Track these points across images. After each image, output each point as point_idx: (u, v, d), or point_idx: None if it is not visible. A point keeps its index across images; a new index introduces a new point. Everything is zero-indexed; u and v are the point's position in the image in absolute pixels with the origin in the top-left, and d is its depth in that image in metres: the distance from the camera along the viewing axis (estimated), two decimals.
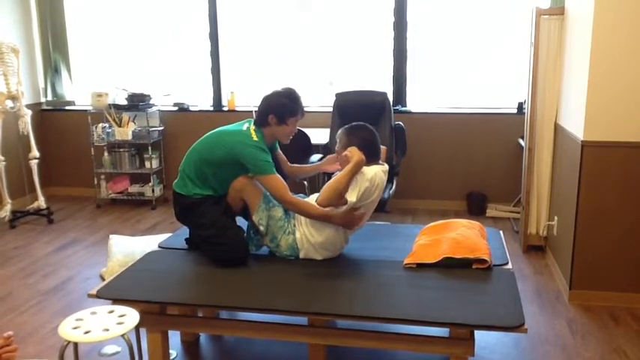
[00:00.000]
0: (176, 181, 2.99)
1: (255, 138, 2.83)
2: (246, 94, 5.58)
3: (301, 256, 2.82)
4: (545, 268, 3.95)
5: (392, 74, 5.30)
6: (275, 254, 2.88)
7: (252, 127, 2.90)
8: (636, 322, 3.18)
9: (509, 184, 5.07)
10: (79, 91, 5.92)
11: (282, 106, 2.89)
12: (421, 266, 2.69)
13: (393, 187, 4.27)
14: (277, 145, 3.12)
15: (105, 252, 4.18)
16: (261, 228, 2.82)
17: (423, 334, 2.40)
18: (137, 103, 5.41)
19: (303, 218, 2.82)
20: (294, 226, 2.83)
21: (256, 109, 2.99)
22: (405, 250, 2.87)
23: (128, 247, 3.84)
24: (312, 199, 2.86)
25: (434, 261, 2.69)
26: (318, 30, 5.47)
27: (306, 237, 2.80)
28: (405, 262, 2.73)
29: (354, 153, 2.65)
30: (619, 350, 2.89)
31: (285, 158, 3.18)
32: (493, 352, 2.87)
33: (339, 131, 2.87)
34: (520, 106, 5.00)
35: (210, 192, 2.90)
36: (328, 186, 2.66)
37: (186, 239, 3.09)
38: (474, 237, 2.84)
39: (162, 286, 2.58)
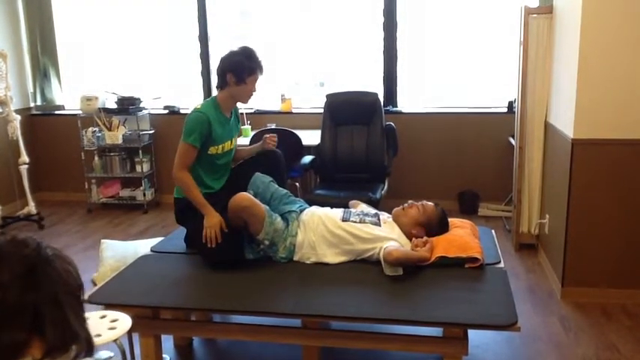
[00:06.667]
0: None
1: (198, 106, 2.90)
2: None
3: (296, 258, 2.80)
4: (537, 266, 3.97)
5: (382, 75, 5.31)
6: (270, 257, 2.86)
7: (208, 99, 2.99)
8: (628, 317, 3.19)
9: (501, 183, 5.08)
10: (68, 95, 5.88)
11: (240, 65, 2.91)
12: (414, 266, 2.69)
13: (385, 187, 4.28)
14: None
15: (96, 257, 4.15)
16: (267, 242, 2.77)
17: (417, 334, 2.40)
18: (127, 106, 5.38)
19: (315, 225, 2.80)
20: (298, 227, 2.81)
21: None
22: None
23: (120, 252, 3.82)
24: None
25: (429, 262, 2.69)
26: (309, 31, 5.47)
27: (308, 241, 2.78)
28: None
29: (428, 251, 2.70)
30: (611, 346, 2.90)
31: None
32: (486, 351, 2.88)
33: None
34: (510, 105, 5.01)
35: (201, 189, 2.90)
36: (405, 252, 2.66)
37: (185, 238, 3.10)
38: (466, 236, 2.85)
39: (155, 291, 2.56)
